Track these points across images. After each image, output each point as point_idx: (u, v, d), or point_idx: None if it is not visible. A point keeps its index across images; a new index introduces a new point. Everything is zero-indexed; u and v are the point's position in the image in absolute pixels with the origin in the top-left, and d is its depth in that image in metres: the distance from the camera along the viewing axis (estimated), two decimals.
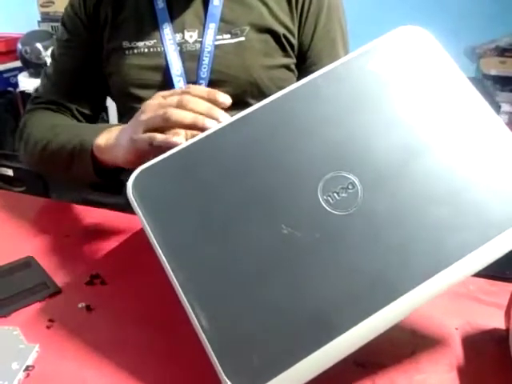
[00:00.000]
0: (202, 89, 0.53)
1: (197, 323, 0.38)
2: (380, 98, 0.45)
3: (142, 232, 0.66)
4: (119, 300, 0.55)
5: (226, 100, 0.52)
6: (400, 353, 0.46)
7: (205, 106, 0.51)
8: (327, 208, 0.40)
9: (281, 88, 0.73)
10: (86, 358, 0.47)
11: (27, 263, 0.60)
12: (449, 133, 0.43)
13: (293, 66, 0.75)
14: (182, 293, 0.39)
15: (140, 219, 0.42)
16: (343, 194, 0.40)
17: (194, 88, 0.53)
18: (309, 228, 0.39)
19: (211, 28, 0.70)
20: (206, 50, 0.70)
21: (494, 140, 0.43)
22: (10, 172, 2.05)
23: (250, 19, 0.71)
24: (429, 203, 0.40)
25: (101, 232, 0.68)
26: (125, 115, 0.78)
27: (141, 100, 0.64)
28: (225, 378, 0.36)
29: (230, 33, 0.71)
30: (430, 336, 0.48)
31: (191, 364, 0.45)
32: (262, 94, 0.72)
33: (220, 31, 0.70)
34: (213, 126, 0.46)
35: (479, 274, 0.56)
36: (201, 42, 0.70)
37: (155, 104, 0.53)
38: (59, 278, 0.58)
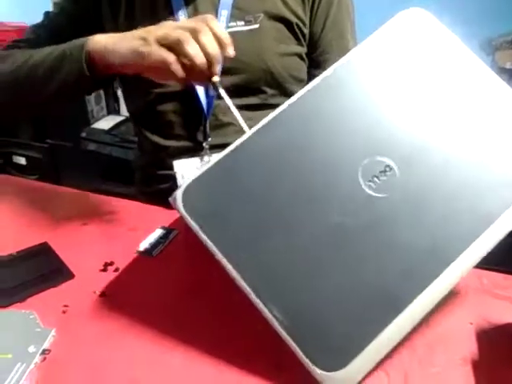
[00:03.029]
0: (220, 31, 0.53)
1: (272, 318, 0.40)
2: (398, 82, 0.47)
3: (155, 222, 0.67)
4: (132, 287, 0.55)
5: (232, 55, 0.54)
6: (415, 345, 0.46)
7: (216, 50, 0.52)
8: (371, 192, 0.43)
9: (294, 76, 0.74)
10: (101, 343, 0.48)
11: (42, 249, 0.61)
12: (467, 110, 0.46)
13: (304, 55, 0.74)
14: (252, 292, 0.41)
15: (195, 231, 0.43)
16: (383, 178, 0.43)
17: (215, 25, 0.52)
18: (358, 213, 0.42)
19: (223, 15, 0.70)
20: None
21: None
22: (23, 161, 2.07)
23: (264, 7, 0.70)
24: (459, 172, 0.44)
25: (115, 220, 0.68)
26: (129, 97, 0.78)
27: (153, 84, 0.62)
28: (310, 365, 0.39)
29: (243, 20, 0.70)
30: (444, 329, 0.48)
31: (203, 351, 0.46)
32: (275, 82, 0.72)
33: (234, 18, 0.70)
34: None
35: (493, 268, 0.56)
36: None
37: (173, 24, 0.52)
38: (73, 265, 0.58)
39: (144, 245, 0.62)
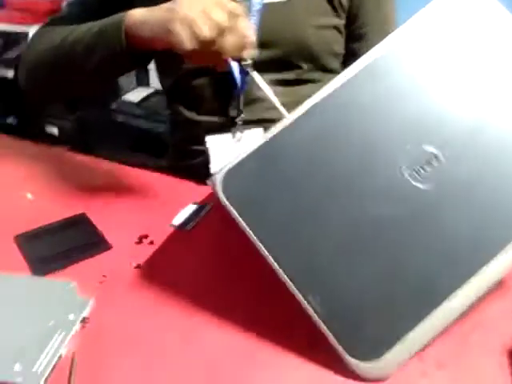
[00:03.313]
0: (246, 32, 0.51)
1: (309, 307, 0.41)
2: (444, 67, 0.44)
3: (187, 196, 0.67)
4: (166, 261, 0.56)
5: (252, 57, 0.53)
6: (450, 332, 0.45)
7: (235, 53, 0.51)
8: (415, 183, 0.41)
9: (330, 50, 0.72)
10: (136, 314, 0.49)
11: (80, 220, 0.62)
12: None
13: (342, 28, 0.72)
14: (289, 282, 0.41)
15: (234, 218, 0.43)
16: (428, 168, 0.42)
17: (242, 24, 0.51)
18: (400, 205, 0.41)
19: None
20: (253, 8, 0.68)
21: None
22: (55, 131, 2.11)
23: None
24: (507, 163, 0.42)
25: (148, 194, 0.69)
26: (163, 72, 0.77)
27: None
28: (345, 353, 0.40)
29: None
30: (481, 318, 0.47)
31: (236, 327, 0.47)
32: (311, 56, 0.70)
33: None
34: None
35: None
36: (249, 0, 0.68)
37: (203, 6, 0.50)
38: (110, 236, 0.60)
39: (178, 219, 0.63)
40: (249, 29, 0.51)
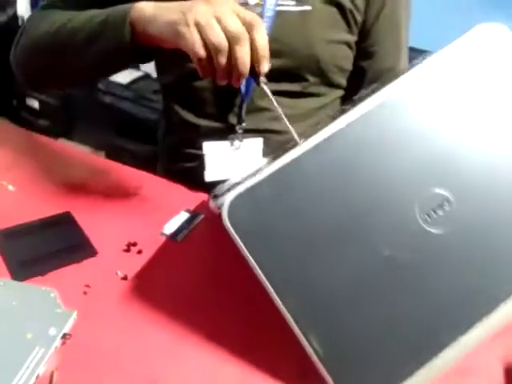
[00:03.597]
0: (261, 44, 0.48)
1: (309, 348, 0.39)
2: (466, 106, 0.43)
3: (180, 202, 0.65)
4: (155, 273, 0.54)
5: (264, 71, 0.50)
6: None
7: (246, 68, 0.48)
8: (425, 227, 0.41)
9: (339, 66, 0.70)
10: (121, 329, 0.47)
11: (65, 220, 0.59)
12: None
13: (353, 44, 0.70)
14: (291, 319, 0.40)
15: (238, 246, 0.41)
16: (439, 212, 0.41)
17: (258, 35, 0.48)
18: (409, 248, 0.41)
19: None
20: (266, 14, 0.66)
21: None
22: (36, 104, 2.03)
23: None
24: None
25: (140, 196, 0.66)
26: (164, 68, 0.74)
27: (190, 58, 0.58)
28: None
29: None
30: (474, 361, 0.46)
31: (223, 345, 0.45)
32: (319, 70, 0.68)
33: None
34: None
35: None
36: (262, 6, 0.66)
37: (217, 11, 0.47)
38: (96, 241, 0.57)
39: (169, 228, 0.60)
40: (265, 41, 0.48)
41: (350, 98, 0.74)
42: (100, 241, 0.57)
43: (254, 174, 0.44)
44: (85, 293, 0.50)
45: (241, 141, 0.67)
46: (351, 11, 0.66)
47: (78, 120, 2.10)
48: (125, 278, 0.52)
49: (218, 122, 0.69)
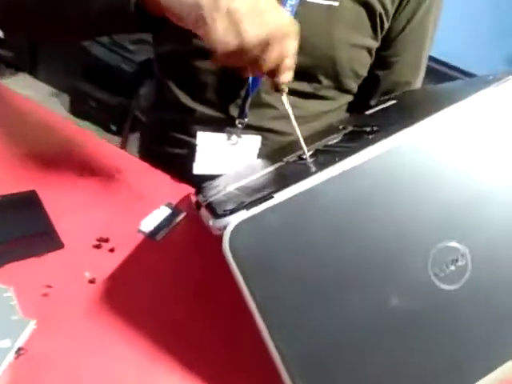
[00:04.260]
0: (289, 59, 0.44)
1: None
2: (485, 157, 0.41)
3: (161, 191, 0.59)
4: (127, 277, 0.48)
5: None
6: None
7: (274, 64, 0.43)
8: (436, 282, 0.38)
9: (355, 72, 0.65)
10: (86, 343, 0.41)
11: (30, 200, 0.51)
12: None
13: (374, 51, 0.65)
14: (284, 371, 0.36)
15: (236, 278, 0.37)
16: (452, 267, 0.39)
17: (287, 48, 0.44)
18: (416, 302, 0.38)
19: None
20: (288, 2, 0.59)
21: None
22: (0, 33, 1.83)
23: None
24: None
25: (118, 180, 0.59)
26: (163, 38, 0.65)
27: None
28: None
29: None
30: None
31: (207, 362, 0.42)
32: (334, 73, 0.62)
33: None
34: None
35: None
36: None
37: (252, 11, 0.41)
38: (63, 231, 0.50)
39: (147, 224, 0.54)
40: (295, 50, 0.43)
41: (358, 105, 0.69)
42: (67, 231, 0.50)
43: (261, 197, 0.39)
44: (45, 294, 0.44)
45: (239, 136, 0.61)
46: (380, 16, 0.61)
47: (44, 56, 1.93)
48: (92, 281, 0.46)
49: (217, 112, 0.62)
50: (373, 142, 0.40)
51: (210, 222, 0.40)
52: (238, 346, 0.44)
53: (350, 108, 0.70)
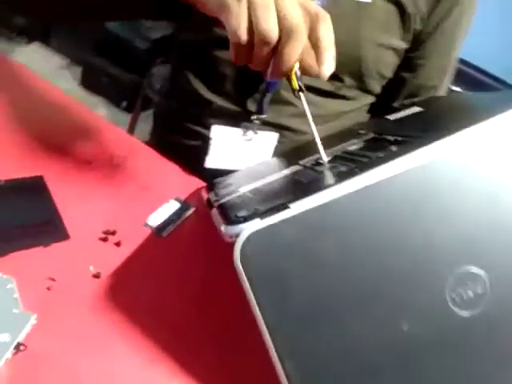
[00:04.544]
0: (326, 42, 0.40)
1: None
2: (497, 182, 0.38)
3: (171, 183, 0.57)
4: (133, 273, 0.47)
5: (323, 78, 0.42)
6: None
7: (292, 62, 0.40)
8: (453, 308, 0.37)
9: (380, 73, 0.62)
10: (87, 341, 0.40)
11: (36, 186, 0.50)
12: None
13: (402, 52, 0.62)
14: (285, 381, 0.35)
15: (245, 290, 0.35)
16: (470, 293, 0.37)
17: (327, 31, 0.40)
18: (430, 327, 0.37)
19: None
20: None
21: None
22: None
23: None
24: None
25: (127, 169, 0.57)
26: (190, 24, 0.62)
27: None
28: None
29: None
30: None
31: (203, 346, 0.41)
32: (358, 73, 0.60)
33: None
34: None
35: None
36: None
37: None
38: (69, 221, 0.48)
39: (154, 219, 0.52)
40: (332, 37, 0.40)
41: (380, 106, 0.67)
42: (74, 221, 0.49)
43: (276, 206, 0.37)
44: (48, 288, 0.43)
45: (255, 132, 0.59)
46: (412, 16, 0.58)
47: (56, 31, 1.89)
48: (97, 275, 0.45)
49: (234, 105, 0.60)
50: (396, 155, 0.38)
51: (222, 228, 0.39)
52: (239, 353, 0.43)
53: (372, 109, 0.68)
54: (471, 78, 1.16)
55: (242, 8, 0.38)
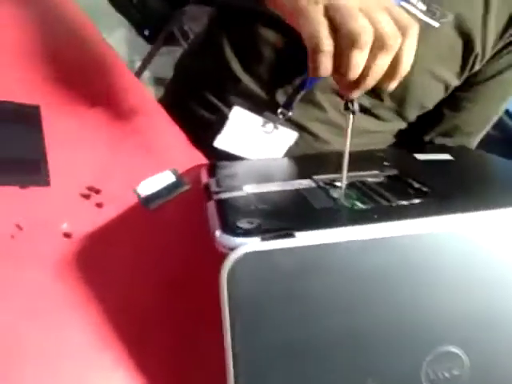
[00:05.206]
0: (408, 57, 0.37)
1: None
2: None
3: (172, 151, 0.53)
4: (108, 243, 0.43)
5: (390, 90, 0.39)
6: None
7: (377, 76, 0.37)
8: None
9: (422, 103, 0.57)
10: (37, 307, 0.37)
11: (30, 116, 0.45)
12: None
13: (451, 89, 0.57)
14: None
15: (222, 306, 0.33)
16: (446, 374, 0.36)
17: (411, 47, 0.36)
18: None
19: None
20: None
21: None
22: None
23: (461, 10, 0.51)
24: None
25: (130, 123, 0.52)
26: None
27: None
28: None
29: (427, 5, 0.51)
30: None
31: (165, 337, 0.38)
32: (401, 99, 0.55)
33: None
34: None
35: None
36: None
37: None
38: (54, 164, 0.44)
39: (144, 187, 0.48)
40: (410, 59, 0.36)
41: (410, 135, 0.63)
42: (59, 167, 0.44)
43: (280, 229, 0.34)
44: (12, 236, 0.39)
45: (276, 127, 0.54)
46: (476, 56, 0.53)
47: None
48: (68, 235, 0.41)
49: (263, 91, 0.55)
50: (415, 213, 0.37)
51: (217, 234, 0.35)
52: (195, 345, 0.41)
53: (398, 135, 0.64)
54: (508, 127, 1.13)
55: (319, 11, 0.34)
